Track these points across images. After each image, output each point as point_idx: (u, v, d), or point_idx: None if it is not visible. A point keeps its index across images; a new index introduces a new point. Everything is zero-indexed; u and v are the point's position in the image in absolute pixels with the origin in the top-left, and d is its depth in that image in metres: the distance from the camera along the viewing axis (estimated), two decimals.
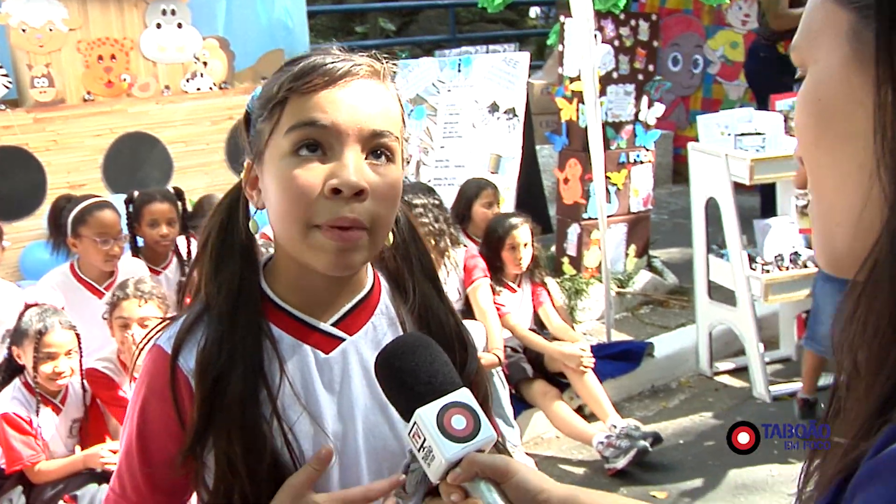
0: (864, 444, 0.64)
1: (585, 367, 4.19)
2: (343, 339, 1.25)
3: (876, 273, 0.64)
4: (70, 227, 3.70)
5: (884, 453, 0.59)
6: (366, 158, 1.13)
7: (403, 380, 1.08)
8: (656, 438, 3.99)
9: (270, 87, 1.17)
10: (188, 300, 1.32)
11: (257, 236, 1.28)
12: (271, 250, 1.28)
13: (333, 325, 1.25)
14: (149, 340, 1.25)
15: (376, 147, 1.14)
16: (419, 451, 1.05)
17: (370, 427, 1.24)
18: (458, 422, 1.04)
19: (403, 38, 13.59)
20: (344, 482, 1.22)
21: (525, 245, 4.39)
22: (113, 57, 5.58)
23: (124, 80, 5.62)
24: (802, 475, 0.76)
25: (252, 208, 1.25)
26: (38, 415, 3.19)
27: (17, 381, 3.26)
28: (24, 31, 5.30)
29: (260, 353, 1.19)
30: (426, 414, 1.04)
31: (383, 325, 1.29)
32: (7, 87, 5.35)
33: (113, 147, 5.52)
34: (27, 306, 3.34)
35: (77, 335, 3.22)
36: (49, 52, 5.39)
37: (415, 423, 1.05)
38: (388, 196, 1.15)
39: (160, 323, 1.28)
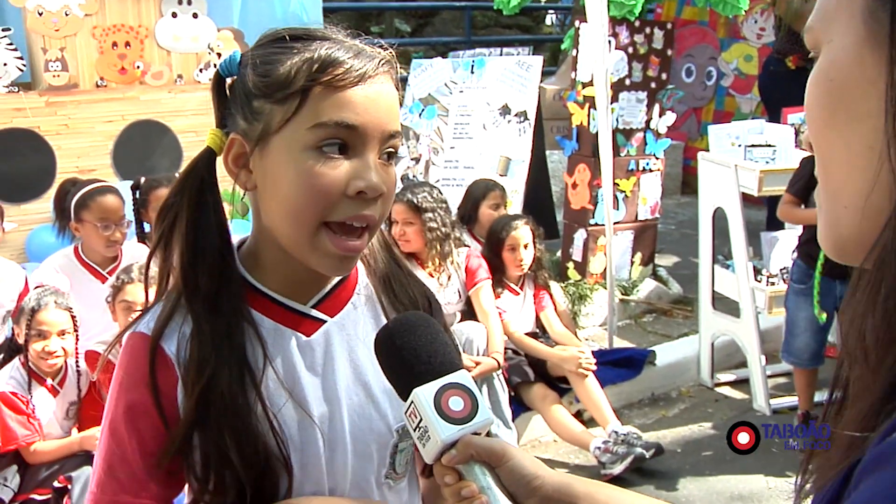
0: (871, 434, 0.63)
1: (586, 369, 4.17)
2: (324, 321, 1.24)
3: (883, 259, 0.63)
4: (73, 211, 3.69)
5: (890, 438, 0.58)
6: (378, 158, 1.13)
7: (403, 358, 1.07)
8: (658, 450, 3.97)
9: (276, 65, 1.11)
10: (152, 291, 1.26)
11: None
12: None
13: (314, 307, 1.24)
14: (122, 334, 1.23)
15: (389, 147, 1.15)
16: (415, 430, 1.04)
17: (355, 408, 1.23)
18: (456, 403, 1.04)
19: (418, 38, 13.59)
20: (331, 464, 1.21)
21: (525, 246, 4.36)
22: (127, 44, 5.59)
23: (138, 67, 5.63)
24: (800, 472, 0.75)
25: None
26: (31, 394, 3.19)
27: (16, 361, 3.27)
28: (40, 14, 5.32)
29: (244, 340, 1.17)
30: (424, 394, 1.03)
31: (363, 304, 1.28)
32: (21, 70, 5.36)
33: (123, 134, 5.53)
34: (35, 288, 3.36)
35: (73, 317, 3.23)
36: (64, 37, 5.40)
37: (412, 402, 1.04)
38: (392, 195, 1.18)
39: (136, 317, 1.24)
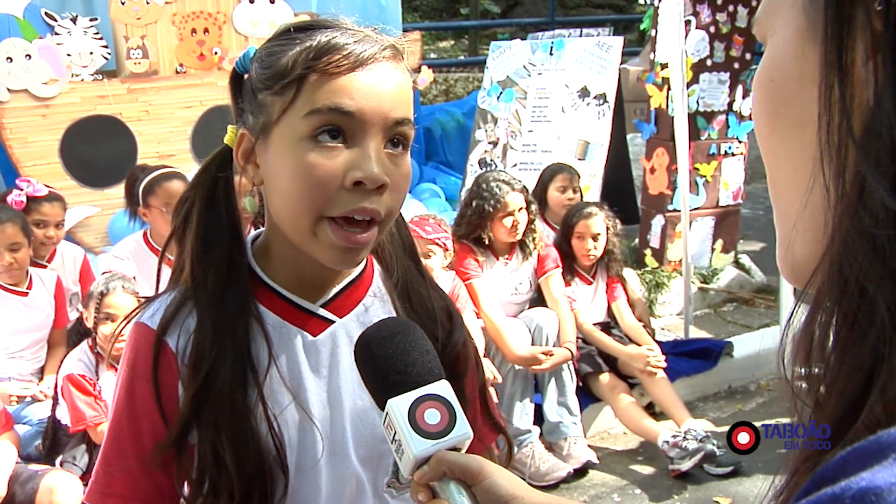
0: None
1: (654, 368, 4.06)
2: (332, 322, 1.20)
3: (820, 291, 0.55)
4: (141, 196, 3.77)
5: None
6: (384, 147, 1.08)
7: (378, 367, 1.01)
8: (736, 469, 3.82)
9: (277, 57, 1.09)
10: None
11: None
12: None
13: (323, 306, 1.20)
14: (128, 321, 1.22)
15: (395, 135, 1.09)
16: (392, 443, 0.99)
17: (358, 412, 1.20)
18: (432, 416, 0.97)
19: (505, 19, 13.48)
20: (332, 469, 1.18)
21: (596, 236, 4.26)
22: (206, 30, 5.68)
23: (216, 53, 5.71)
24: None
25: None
26: (98, 377, 3.27)
27: (84, 344, 3.36)
28: (122, 3, 5.45)
29: (248, 337, 1.15)
30: (397, 405, 0.97)
31: (376, 307, 1.24)
32: (106, 58, 5.50)
33: (202, 119, 5.61)
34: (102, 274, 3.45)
35: (139, 301, 3.28)
36: (145, 25, 5.52)
37: (387, 413, 0.99)
38: (403, 187, 1.12)
39: (141, 304, 1.23)
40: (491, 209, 4.00)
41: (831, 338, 0.55)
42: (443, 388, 1.00)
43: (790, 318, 0.59)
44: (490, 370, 3.82)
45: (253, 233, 1.25)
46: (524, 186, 4.13)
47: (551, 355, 3.93)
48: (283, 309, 1.19)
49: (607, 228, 4.31)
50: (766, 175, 0.64)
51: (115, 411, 1.19)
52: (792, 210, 0.60)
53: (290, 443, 1.15)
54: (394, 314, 1.24)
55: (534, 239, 4.17)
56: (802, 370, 0.60)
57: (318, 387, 1.18)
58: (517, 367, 3.96)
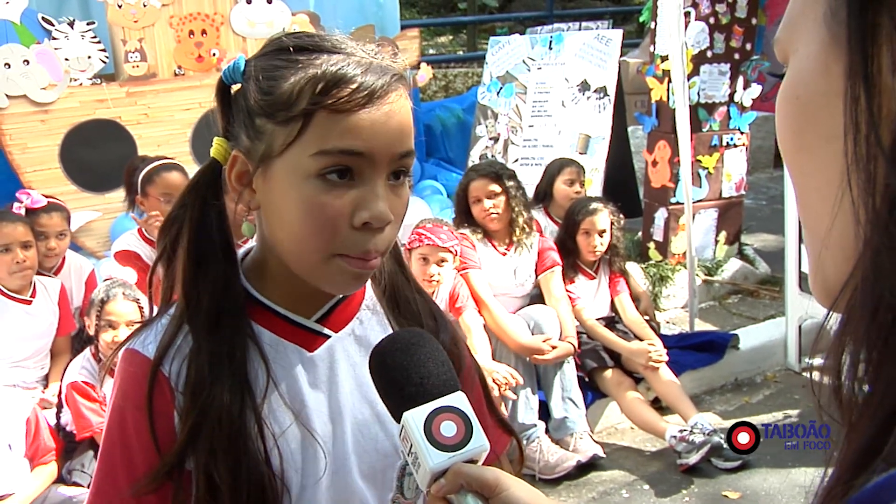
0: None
1: (656, 362, 4.05)
2: (328, 336, 1.18)
3: (850, 313, 0.53)
4: (139, 185, 3.78)
5: None
6: (388, 180, 1.06)
7: (394, 379, 1.00)
8: (744, 462, 3.79)
9: (278, 82, 1.04)
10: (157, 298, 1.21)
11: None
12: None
13: (318, 321, 1.18)
14: (123, 344, 1.17)
15: (399, 167, 1.07)
16: (408, 455, 0.99)
17: (359, 426, 1.18)
18: (448, 428, 0.97)
19: (503, 14, 13.42)
20: (334, 485, 1.16)
21: (602, 232, 4.24)
22: (203, 32, 5.66)
23: (214, 54, 5.70)
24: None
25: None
26: (102, 384, 3.26)
27: (86, 352, 3.36)
28: (119, 6, 5.43)
29: (245, 359, 1.12)
30: (414, 418, 0.97)
31: (370, 320, 1.22)
32: (104, 62, 5.48)
33: (201, 121, 5.60)
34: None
35: (140, 308, 3.28)
36: (142, 28, 5.51)
37: (403, 426, 0.98)
38: (402, 217, 1.10)
39: (132, 331, 1.19)
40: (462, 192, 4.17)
41: (863, 356, 0.53)
42: (459, 399, 1.00)
43: (821, 329, 0.58)
44: (509, 372, 3.81)
45: (242, 249, 1.21)
46: (494, 173, 4.13)
47: (554, 347, 3.91)
48: (279, 326, 1.16)
49: (611, 223, 4.30)
50: (795, 195, 0.62)
51: (105, 441, 1.15)
52: (822, 228, 0.58)
53: (292, 461, 1.13)
54: (387, 324, 1.23)
55: (528, 223, 4.17)
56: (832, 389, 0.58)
57: (319, 403, 1.16)
58: (520, 359, 3.94)
